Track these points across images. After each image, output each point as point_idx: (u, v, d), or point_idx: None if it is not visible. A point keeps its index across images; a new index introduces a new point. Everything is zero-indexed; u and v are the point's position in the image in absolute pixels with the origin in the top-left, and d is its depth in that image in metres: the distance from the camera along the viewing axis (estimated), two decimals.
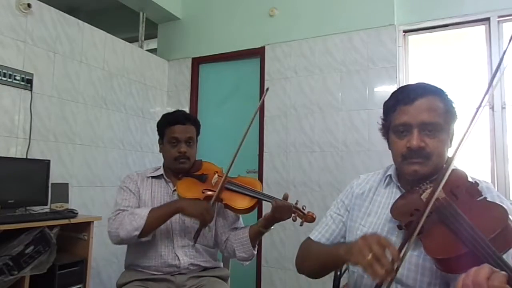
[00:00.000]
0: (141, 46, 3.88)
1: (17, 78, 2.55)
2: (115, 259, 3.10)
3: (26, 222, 2.15)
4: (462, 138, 0.88)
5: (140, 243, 1.69)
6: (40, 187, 2.55)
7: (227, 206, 1.72)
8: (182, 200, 1.69)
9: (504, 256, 0.80)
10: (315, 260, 1.16)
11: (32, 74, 2.64)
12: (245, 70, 3.69)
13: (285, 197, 1.66)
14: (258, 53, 3.54)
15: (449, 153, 1.07)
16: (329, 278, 1.39)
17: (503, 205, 0.87)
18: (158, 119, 1.89)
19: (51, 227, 2.22)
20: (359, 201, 1.21)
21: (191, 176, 1.81)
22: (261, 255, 3.25)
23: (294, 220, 1.62)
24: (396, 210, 1.04)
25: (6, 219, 2.10)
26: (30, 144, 2.59)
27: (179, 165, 1.78)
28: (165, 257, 1.70)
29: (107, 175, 3.21)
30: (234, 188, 1.72)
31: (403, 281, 1.01)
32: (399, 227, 1.03)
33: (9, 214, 2.27)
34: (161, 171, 1.84)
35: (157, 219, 1.62)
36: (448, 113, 1.06)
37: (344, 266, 1.28)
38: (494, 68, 2.67)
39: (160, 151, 1.87)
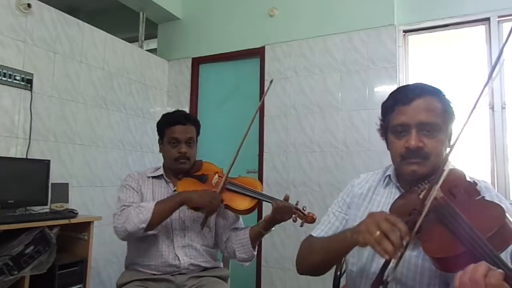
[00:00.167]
0: (141, 46, 3.88)
1: (17, 78, 2.55)
2: (115, 259, 3.10)
3: (26, 222, 2.15)
4: (457, 137, 0.88)
5: (141, 243, 1.70)
6: (40, 187, 2.55)
7: (227, 207, 1.72)
8: (186, 192, 1.68)
9: (503, 254, 0.80)
10: (319, 252, 1.14)
11: (32, 74, 2.65)
12: (245, 70, 3.69)
13: (286, 198, 1.66)
14: (258, 53, 3.54)
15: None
16: (329, 278, 1.40)
17: (501, 204, 0.87)
18: (158, 119, 1.89)
19: (51, 227, 2.22)
20: (359, 200, 1.21)
21: (192, 177, 1.81)
22: (261, 255, 3.25)
23: (295, 221, 1.63)
24: (395, 210, 1.04)
25: (6, 219, 2.10)
26: (30, 144, 2.60)
27: (179, 165, 1.78)
28: (165, 257, 1.70)
29: (107, 175, 3.21)
30: (234, 189, 1.73)
31: (403, 281, 1.01)
32: None
33: (9, 214, 2.28)
34: (161, 171, 1.84)
35: (163, 212, 1.62)
36: (446, 113, 1.06)
37: (344, 266, 1.28)
38: (493, 72, 2.67)
39: (160, 151, 1.87)
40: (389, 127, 1.11)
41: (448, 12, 2.91)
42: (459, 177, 1.00)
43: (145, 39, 4.01)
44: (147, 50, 3.92)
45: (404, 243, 0.84)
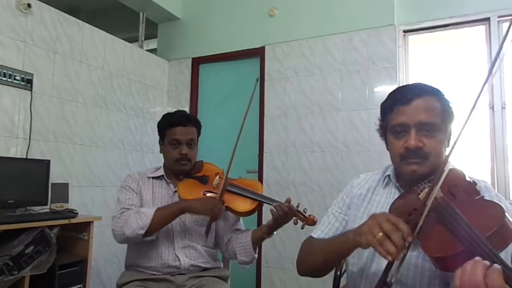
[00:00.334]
0: (141, 46, 3.88)
1: (17, 78, 2.55)
2: (115, 259, 3.10)
3: (26, 222, 2.15)
4: (457, 137, 0.88)
5: (141, 244, 1.69)
6: (40, 187, 2.55)
7: (228, 209, 1.71)
8: (187, 200, 1.68)
9: (503, 254, 0.80)
10: (320, 254, 1.14)
11: (32, 74, 2.65)
12: (245, 70, 3.69)
13: (288, 201, 1.64)
14: (258, 53, 3.54)
15: (447, 152, 1.07)
16: (329, 278, 1.39)
17: (501, 204, 0.87)
18: (158, 119, 1.89)
19: (51, 227, 2.22)
20: (359, 201, 1.21)
21: (192, 178, 1.80)
22: (261, 255, 3.25)
23: (296, 224, 1.61)
24: (395, 210, 1.04)
25: (6, 219, 2.10)
26: (30, 144, 2.60)
27: (180, 167, 1.78)
28: (165, 258, 1.70)
29: (107, 175, 3.21)
30: (235, 191, 1.72)
31: (403, 281, 1.01)
32: None
33: (9, 214, 2.28)
34: (161, 172, 1.84)
35: (163, 219, 1.62)
36: (445, 113, 1.06)
37: (345, 267, 1.28)
38: (494, 67, 2.67)
39: (161, 152, 1.86)
40: (388, 127, 1.11)
41: (448, 12, 2.91)
42: (459, 177, 1.00)
43: (145, 39, 4.01)
44: (147, 50, 3.92)
45: (407, 244, 0.84)
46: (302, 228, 1.60)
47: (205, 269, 1.76)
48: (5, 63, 2.51)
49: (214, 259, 1.82)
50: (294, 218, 1.61)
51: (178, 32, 4.01)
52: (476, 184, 0.96)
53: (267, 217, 1.68)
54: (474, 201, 0.92)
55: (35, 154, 2.63)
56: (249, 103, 1.70)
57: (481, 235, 0.79)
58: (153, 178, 1.83)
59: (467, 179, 1.00)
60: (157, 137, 1.88)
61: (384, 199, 1.16)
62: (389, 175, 1.18)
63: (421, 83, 1.11)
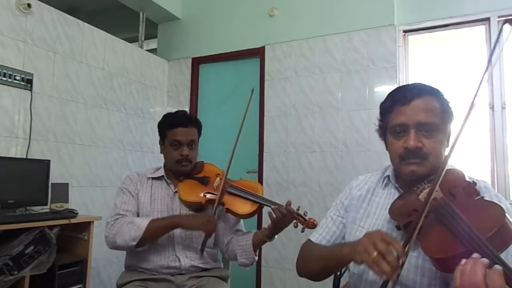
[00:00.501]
0: (141, 46, 3.88)
1: (17, 78, 2.55)
2: (115, 259, 3.10)
3: (26, 222, 2.15)
4: (457, 137, 0.88)
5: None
6: (40, 187, 2.55)
7: (228, 211, 1.71)
8: (181, 216, 1.70)
9: (503, 255, 0.80)
10: (316, 262, 1.15)
11: (32, 74, 2.65)
12: (245, 70, 3.69)
13: (288, 204, 1.62)
14: (258, 53, 3.53)
15: (447, 153, 1.07)
16: (329, 279, 1.39)
17: (501, 204, 0.87)
18: (158, 119, 1.88)
19: (51, 227, 2.22)
20: (358, 202, 1.21)
21: (193, 178, 1.80)
22: (261, 255, 3.25)
23: (296, 227, 1.60)
24: (394, 211, 1.04)
25: (6, 219, 2.10)
26: (30, 144, 2.59)
27: (181, 168, 1.77)
28: (165, 259, 1.69)
29: (107, 175, 3.21)
30: (236, 192, 1.71)
31: (403, 282, 1.01)
32: (398, 228, 1.03)
33: (9, 214, 2.27)
34: (161, 172, 1.83)
35: (155, 231, 1.63)
36: (444, 113, 1.06)
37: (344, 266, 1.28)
38: (493, 67, 2.67)
39: (161, 152, 1.86)
40: (388, 127, 1.11)
41: (448, 12, 2.91)
42: (458, 177, 1.00)
43: (145, 39, 4.01)
44: (147, 50, 3.91)
45: (401, 263, 0.85)
46: (303, 231, 1.59)
47: (205, 269, 1.76)
48: (5, 63, 2.51)
49: (214, 260, 1.82)
50: (294, 221, 1.59)
51: (178, 32, 4.01)
52: (476, 184, 0.96)
53: (267, 219, 1.68)
54: (474, 202, 0.92)
55: (35, 154, 2.63)
56: (245, 113, 1.69)
57: (481, 236, 0.79)
58: (153, 178, 1.82)
59: (467, 179, 1.00)
60: (157, 137, 1.87)
61: (383, 200, 1.16)
62: (388, 176, 1.18)
63: (420, 83, 1.11)
